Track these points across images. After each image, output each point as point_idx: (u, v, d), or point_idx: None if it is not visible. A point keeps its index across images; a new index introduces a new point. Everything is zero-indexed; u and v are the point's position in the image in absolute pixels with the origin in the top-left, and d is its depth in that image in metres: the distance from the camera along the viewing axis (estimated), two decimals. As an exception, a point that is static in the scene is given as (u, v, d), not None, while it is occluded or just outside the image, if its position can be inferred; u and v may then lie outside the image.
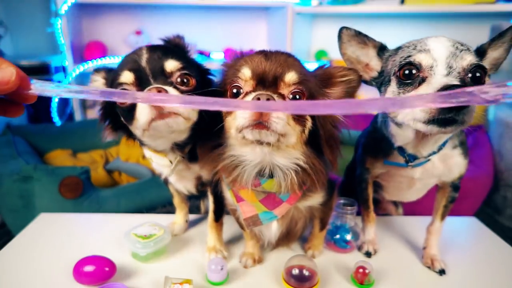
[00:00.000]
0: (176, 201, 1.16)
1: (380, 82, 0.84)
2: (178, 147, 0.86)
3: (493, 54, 0.81)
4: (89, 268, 0.88)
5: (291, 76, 0.68)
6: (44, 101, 2.75)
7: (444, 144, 0.87)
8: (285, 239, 1.00)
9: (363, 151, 1.01)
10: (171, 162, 0.90)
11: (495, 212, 2.29)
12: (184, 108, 0.70)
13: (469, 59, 0.71)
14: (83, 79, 2.86)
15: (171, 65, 0.75)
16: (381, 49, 0.85)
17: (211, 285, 0.90)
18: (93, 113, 2.87)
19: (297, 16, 2.86)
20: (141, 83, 0.74)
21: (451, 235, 1.12)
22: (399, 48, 0.81)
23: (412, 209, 1.40)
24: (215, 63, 3.00)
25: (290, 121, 0.67)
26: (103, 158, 2.43)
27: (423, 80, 0.72)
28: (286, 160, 0.73)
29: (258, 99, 0.63)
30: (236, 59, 0.77)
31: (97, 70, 0.93)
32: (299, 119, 0.69)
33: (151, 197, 1.88)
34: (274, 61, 0.69)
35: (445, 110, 0.63)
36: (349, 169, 1.35)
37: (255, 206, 0.82)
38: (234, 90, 0.71)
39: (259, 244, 1.01)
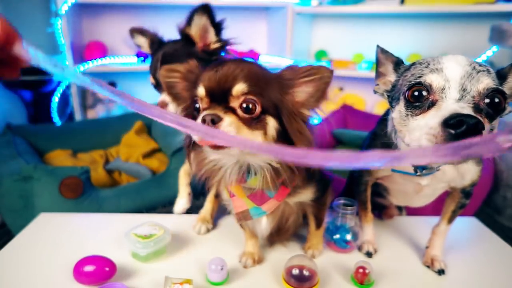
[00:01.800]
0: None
1: (391, 96, 0.80)
2: None
3: None
4: (89, 268, 0.88)
5: (238, 88, 0.69)
6: (44, 101, 2.76)
7: None
8: (277, 234, 1.00)
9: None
10: None
11: (495, 212, 2.29)
12: None
13: (487, 82, 0.64)
14: (83, 79, 2.87)
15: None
16: (397, 63, 0.81)
17: (211, 285, 0.90)
18: (93, 113, 2.87)
19: (297, 16, 2.86)
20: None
21: (451, 235, 1.11)
22: (413, 64, 0.75)
23: (414, 209, 1.40)
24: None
25: (243, 130, 0.68)
26: (103, 158, 2.43)
27: (432, 103, 0.66)
28: (259, 160, 0.74)
29: (204, 120, 0.65)
30: (196, 75, 0.78)
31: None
32: (255, 124, 0.70)
33: (151, 197, 1.88)
34: (223, 75, 0.70)
35: (452, 140, 0.58)
36: (353, 171, 1.35)
37: (245, 202, 0.84)
38: (196, 105, 0.74)
39: (259, 243, 1.02)
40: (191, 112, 0.76)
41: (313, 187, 0.89)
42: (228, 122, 0.66)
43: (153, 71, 1.06)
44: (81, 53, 2.85)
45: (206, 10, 1.03)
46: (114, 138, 2.57)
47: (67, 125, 2.70)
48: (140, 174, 2.18)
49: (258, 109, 0.70)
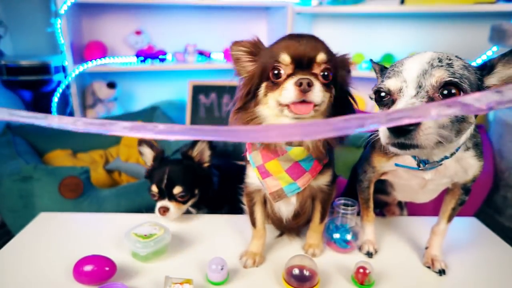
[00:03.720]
0: None
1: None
2: None
3: (505, 71, 0.74)
4: (89, 268, 0.88)
5: (321, 57, 0.81)
6: (44, 101, 2.75)
7: (457, 149, 0.84)
8: (295, 218, 1.06)
9: (372, 149, 0.99)
10: None
11: (495, 212, 2.29)
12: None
13: (438, 75, 0.69)
14: (83, 79, 2.86)
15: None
16: (382, 69, 0.91)
17: (211, 285, 0.90)
18: (93, 113, 2.87)
19: (297, 16, 2.86)
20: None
21: (451, 235, 1.11)
22: (387, 68, 0.84)
23: (415, 209, 1.40)
24: (215, 63, 3.01)
25: (323, 92, 0.80)
26: (103, 158, 2.43)
27: (393, 102, 0.75)
28: None
29: (301, 84, 0.76)
30: (271, 45, 0.88)
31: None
32: (326, 89, 0.82)
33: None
34: (306, 46, 0.81)
35: (393, 135, 0.67)
36: (355, 170, 1.35)
37: (280, 179, 0.91)
38: (276, 72, 0.82)
39: (264, 246, 1.03)
40: (258, 81, 0.86)
41: (331, 171, 0.99)
42: (319, 87, 0.78)
43: (158, 181, 1.19)
44: (81, 53, 2.84)
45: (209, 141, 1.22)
46: (114, 138, 2.57)
47: (67, 125, 2.69)
48: (140, 174, 2.18)
49: (330, 77, 0.82)
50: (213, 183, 1.30)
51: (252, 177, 0.97)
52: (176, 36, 3.05)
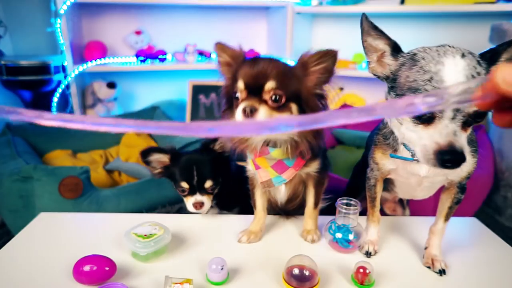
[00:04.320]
0: None
1: (391, 86, 0.81)
2: None
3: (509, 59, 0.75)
4: (89, 268, 0.87)
5: (269, 85, 0.88)
6: (43, 101, 2.75)
7: None
8: (290, 201, 1.17)
9: (373, 146, 1.01)
10: None
11: (495, 212, 2.29)
12: None
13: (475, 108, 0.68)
14: (83, 79, 2.86)
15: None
16: (395, 49, 0.82)
17: (211, 284, 0.90)
18: (93, 113, 2.87)
19: (297, 16, 2.86)
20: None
21: (451, 236, 1.12)
22: (414, 60, 0.74)
23: (417, 209, 1.40)
24: (215, 63, 3.00)
25: (274, 115, 0.89)
26: (103, 158, 2.43)
27: (432, 119, 0.71)
28: (284, 136, 0.95)
29: (245, 110, 0.86)
30: (243, 63, 0.95)
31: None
32: (282, 109, 0.90)
33: (151, 197, 1.88)
34: (258, 73, 0.89)
35: (440, 165, 0.69)
36: (357, 169, 1.35)
37: (269, 172, 1.03)
38: (235, 95, 0.92)
39: (264, 224, 1.15)
40: (230, 93, 0.96)
41: (318, 160, 1.07)
42: (263, 112, 0.87)
43: (188, 177, 1.19)
44: (81, 53, 2.84)
45: None
46: (114, 138, 2.57)
47: (67, 125, 2.69)
48: (140, 174, 2.18)
49: (283, 99, 0.89)
50: (231, 169, 1.31)
51: (250, 166, 1.10)
52: (176, 36, 3.06)
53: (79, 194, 1.68)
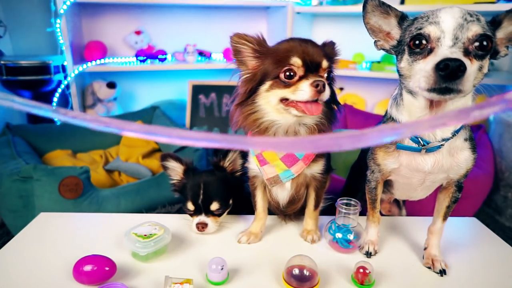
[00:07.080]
0: None
1: (398, 51, 0.87)
2: None
3: (511, 26, 0.83)
4: (89, 268, 0.87)
5: (325, 63, 0.93)
6: (43, 101, 2.75)
7: (457, 131, 0.86)
8: (291, 204, 1.14)
9: (374, 147, 0.99)
10: None
11: (495, 212, 2.29)
12: None
13: (475, 29, 0.75)
14: (82, 79, 2.86)
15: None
16: (402, 18, 0.89)
17: (211, 285, 0.90)
18: (93, 113, 2.87)
19: (297, 15, 2.86)
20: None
21: (451, 236, 1.12)
22: (415, 19, 0.84)
23: (415, 210, 1.40)
24: (215, 63, 3.01)
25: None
26: (103, 158, 2.43)
27: (431, 50, 0.77)
28: (311, 120, 0.98)
29: (317, 85, 0.87)
30: (276, 46, 0.98)
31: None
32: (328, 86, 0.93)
33: (151, 197, 1.88)
34: (313, 51, 0.93)
35: (441, 80, 0.71)
36: (354, 169, 1.35)
37: (276, 167, 1.01)
38: (288, 73, 0.91)
39: (264, 226, 1.14)
40: (261, 78, 0.94)
41: (324, 160, 1.07)
42: (328, 87, 0.90)
43: (194, 197, 1.15)
44: (81, 53, 2.84)
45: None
46: (113, 138, 2.57)
47: (66, 125, 2.69)
48: (140, 174, 2.18)
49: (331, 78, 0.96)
50: (244, 190, 1.25)
51: (253, 163, 1.08)
52: (176, 36, 3.05)
53: (79, 194, 1.68)
